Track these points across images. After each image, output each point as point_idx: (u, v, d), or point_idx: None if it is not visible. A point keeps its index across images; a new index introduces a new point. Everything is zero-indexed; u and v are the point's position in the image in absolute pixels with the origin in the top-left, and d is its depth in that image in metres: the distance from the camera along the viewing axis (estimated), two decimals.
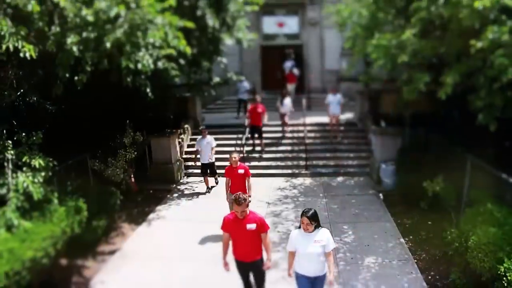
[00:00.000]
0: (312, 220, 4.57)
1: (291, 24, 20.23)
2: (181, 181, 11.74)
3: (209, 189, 10.73)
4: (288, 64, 18.75)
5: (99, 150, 9.64)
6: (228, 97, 18.79)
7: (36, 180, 5.90)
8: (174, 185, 11.26)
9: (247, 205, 4.89)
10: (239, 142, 12.57)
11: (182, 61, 8.10)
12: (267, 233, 5.03)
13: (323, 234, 4.68)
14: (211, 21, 8.80)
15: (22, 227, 5.67)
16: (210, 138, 10.47)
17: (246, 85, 16.26)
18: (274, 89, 18.36)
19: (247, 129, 12.80)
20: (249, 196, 6.79)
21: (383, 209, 9.14)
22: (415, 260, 6.87)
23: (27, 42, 5.28)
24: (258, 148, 12.91)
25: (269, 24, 19.97)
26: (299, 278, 4.79)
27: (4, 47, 5.11)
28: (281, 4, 19.61)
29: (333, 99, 13.08)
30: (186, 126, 13.23)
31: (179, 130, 12.39)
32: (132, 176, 10.40)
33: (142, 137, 10.33)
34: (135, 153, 10.12)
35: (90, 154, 9.31)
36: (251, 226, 4.86)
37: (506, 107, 6.19)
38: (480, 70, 5.87)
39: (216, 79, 11.12)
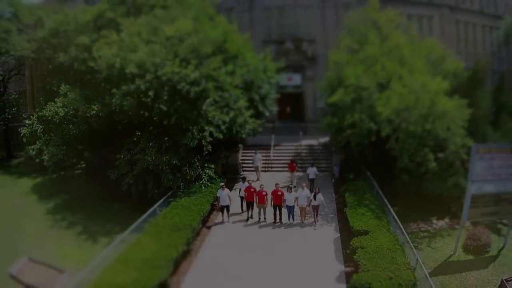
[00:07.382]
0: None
1: (296, 79, 32.88)
2: (240, 173, 24.50)
3: (222, 220, 17.42)
4: (257, 156, 23.42)
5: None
6: None
7: (212, 171, 18.85)
8: (238, 175, 24.07)
9: (279, 188, 17.09)
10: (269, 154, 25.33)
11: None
12: (284, 196, 17.01)
13: None
14: (261, 108, 21.57)
15: (209, 186, 18.59)
16: (227, 190, 17.01)
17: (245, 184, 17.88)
18: (286, 119, 31.01)
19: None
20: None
21: (332, 185, 21.97)
22: (336, 201, 19.59)
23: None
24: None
25: (283, 79, 32.30)
26: None
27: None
28: (290, 65, 32.08)
29: (302, 194, 16.42)
30: (240, 145, 25.97)
31: (238, 148, 25.17)
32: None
33: (228, 153, 23.18)
34: (225, 160, 22.92)
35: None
36: (279, 193, 16.85)
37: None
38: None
39: (260, 130, 23.89)
